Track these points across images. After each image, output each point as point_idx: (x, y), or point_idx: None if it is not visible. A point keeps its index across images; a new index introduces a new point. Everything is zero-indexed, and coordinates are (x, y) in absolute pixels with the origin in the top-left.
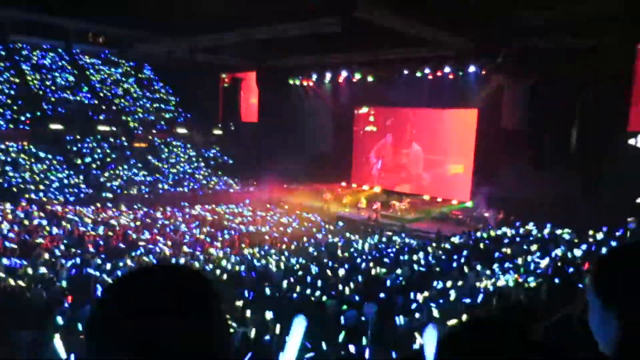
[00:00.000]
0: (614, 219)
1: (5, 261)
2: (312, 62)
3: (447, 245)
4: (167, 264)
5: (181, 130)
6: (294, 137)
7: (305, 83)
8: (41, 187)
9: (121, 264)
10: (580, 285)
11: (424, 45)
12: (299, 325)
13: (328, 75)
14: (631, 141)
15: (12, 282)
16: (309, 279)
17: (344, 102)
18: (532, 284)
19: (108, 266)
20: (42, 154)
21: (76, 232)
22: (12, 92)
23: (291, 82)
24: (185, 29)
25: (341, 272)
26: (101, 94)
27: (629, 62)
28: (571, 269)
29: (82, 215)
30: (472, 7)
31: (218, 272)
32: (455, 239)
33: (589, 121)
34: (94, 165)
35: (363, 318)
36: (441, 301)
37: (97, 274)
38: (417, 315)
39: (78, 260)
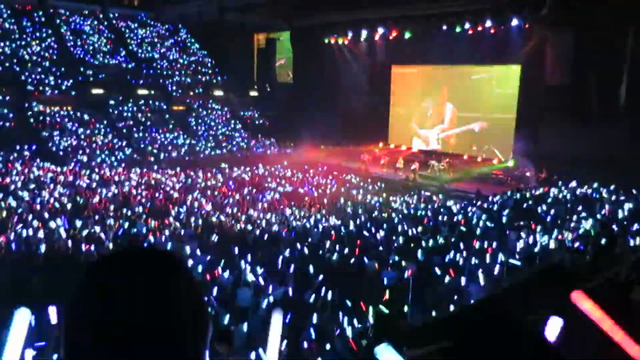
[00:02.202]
0: None
1: (58, 221)
2: (346, 19)
3: (487, 205)
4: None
5: (218, 93)
6: (330, 98)
7: (340, 41)
8: (87, 150)
9: (166, 223)
10: (628, 245)
11: None
12: (277, 319)
13: (364, 33)
14: None
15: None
16: (347, 239)
17: (380, 60)
18: (576, 245)
19: (155, 226)
20: (86, 118)
21: (122, 193)
22: (55, 58)
23: (326, 40)
24: None
25: (380, 232)
26: (139, 58)
27: None
28: (617, 229)
29: (127, 177)
30: None
31: (258, 232)
32: (496, 199)
33: (638, 74)
34: (135, 129)
35: (403, 278)
36: (481, 261)
37: (143, 233)
38: (458, 276)
39: (126, 221)
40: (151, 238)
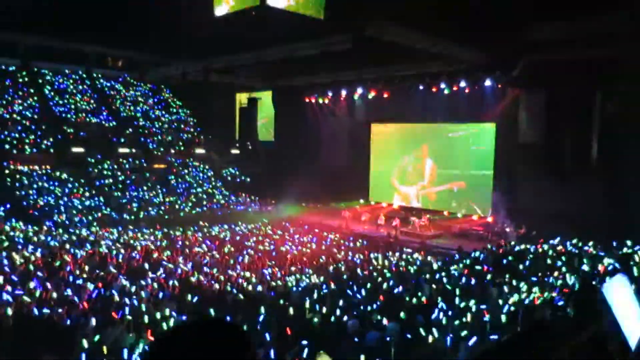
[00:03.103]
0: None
1: (31, 284)
2: (326, 80)
3: (469, 262)
4: (208, 319)
5: (199, 151)
6: (311, 155)
7: (321, 100)
8: (64, 210)
9: (143, 284)
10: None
11: (439, 59)
12: None
13: (344, 92)
14: None
15: (34, 304)
16: (328, 298)
17: (360, 119)
18: (558, 301)
19: (132, 288)
20: (64, 177)
21: (98, 253)
22: (35, 117)
23: (307, 100)
24: (199, 51)
25: (362, 291)
26: (121, 117)
27: None
28: (597, 284)
29: (104, 237)
30: (487, 21)
31: (235, 292)
32: (477, 255)
33: (609, 130)
34: (114, 187)
35: (387, 338)
36: (464, 320)
37: (118, 294)
38: (443, 335)
39: (100, 281)
40: (127, 300)
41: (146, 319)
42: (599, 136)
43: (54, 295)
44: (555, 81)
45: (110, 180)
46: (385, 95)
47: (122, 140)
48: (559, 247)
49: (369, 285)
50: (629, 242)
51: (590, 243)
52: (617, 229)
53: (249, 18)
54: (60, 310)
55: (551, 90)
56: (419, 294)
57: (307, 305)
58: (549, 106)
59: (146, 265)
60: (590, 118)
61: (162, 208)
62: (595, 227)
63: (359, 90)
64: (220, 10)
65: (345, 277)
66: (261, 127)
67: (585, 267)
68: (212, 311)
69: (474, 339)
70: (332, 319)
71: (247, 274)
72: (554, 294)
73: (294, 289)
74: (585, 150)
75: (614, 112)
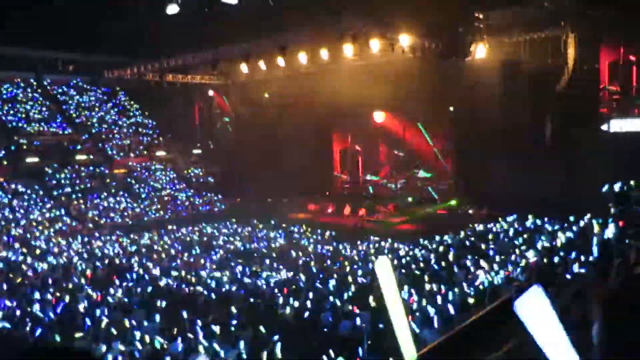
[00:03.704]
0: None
1: None
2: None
3: (435, 246)
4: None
5: (160, 153)
6: (273, 150)
7: (266, 95)
8: (22, 222)
9: (112, 292)
10: (567, 275)
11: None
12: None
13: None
14: (604, 127)
15: None
16: (300, 292)
17: (320, 110)
18: (522, 278)
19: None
20: (20, 189)
21: (61, 265)
22: None
23: (266, 95)
24: (153, 51)
25: (332, 282)
26: (76, 123)
27: (593, 50)
28: (557, 259)
29: (66, 247)
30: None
31: (206, 292)
32: (442, 238)
33: (562, 112)
34: (74, 196)
35: (358, 327)
36: (434, 303)
37: (85, 307)
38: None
39: (66, 294)
40: (98, 311)
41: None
42: (552, 118)
43: (17, 312)
44: (510, 65)
45: (69, 189)
46: None
47: (79, 147)
48: (519, 226)
49: (336, 276)
50: (587, 216)
51: (547, 220)
52: (573, 205)
53: (202, 14)
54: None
55: (506, 73)
56: None
57: (280, 300)
58: (504, 90)
59: (112, 274)
60: (544, 101)
61: (126, 214)
62: (552, 204)
63: None
64: (171, 9)
65: (314, 270)
66: (221, 125)
67: (545, 244)
68: (184, 314)
69: (437, 322)
70: (305, 312)
71: (217, 273)
72: (518, 272)
73: (265, 285)
74: (540, 133)
75: (563, 92)
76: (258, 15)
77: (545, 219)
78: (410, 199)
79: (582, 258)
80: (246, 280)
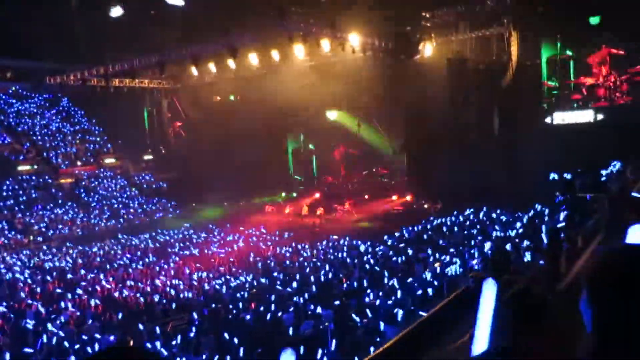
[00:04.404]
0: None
1: None
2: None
3: (393, 242)
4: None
5: (109, 160)
6: (226, 152)
7: (232, 97)
8: None
9: (62, 307)
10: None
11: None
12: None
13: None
14: (547, 120)
15: None
16: (260, 295)
17: (272, 111)
18: (478, 268)
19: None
20: None
21: (6, 282)
22: None
23: (217, 98)
24: (97, 55)
25: (293, 283)
26: (17, 132)
27: (534, 47)
28: (508, 247)
29: (11, 262)
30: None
31: (164, 301)
32: (400, 234)
33: (507, 106)
34: (16, 208)
35: (321, 326)
36: (394, 298)
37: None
38: (374, 318)
39: (12, 311)
40: (50, 326)
41: (67, 344)
42: (499, 113)
43: None
44: (456, 63)
45: (12, 201)
46: None
47: (21, 157)
48: (474, 218)
49: (298, 276)
50: (538, 207)
51: (498, 211)
52: (522, 196)
53: (146, 17)
54: None
55: (454, 69)
56: (349, 278)
57: (240, 305)
58: (451, 89)
59: (62, 288)
60: (490, 96)
61: (75, 224)
62: (502, 196)
63: None
64: (115, 12)
65: (275, 272)
66: (171, 128)
67: (499, 234)
68: (140, 326)
69: (401, 314)
70: (267, 315)
71: (175, 281)
72: (474, 262)
73: (224, 290)
74: (488, 129)
75: (508, 85)
76: (205, 17)
77: (498, 211)
78: (366, 196)
79: (533, 246)
80: (205, 286)
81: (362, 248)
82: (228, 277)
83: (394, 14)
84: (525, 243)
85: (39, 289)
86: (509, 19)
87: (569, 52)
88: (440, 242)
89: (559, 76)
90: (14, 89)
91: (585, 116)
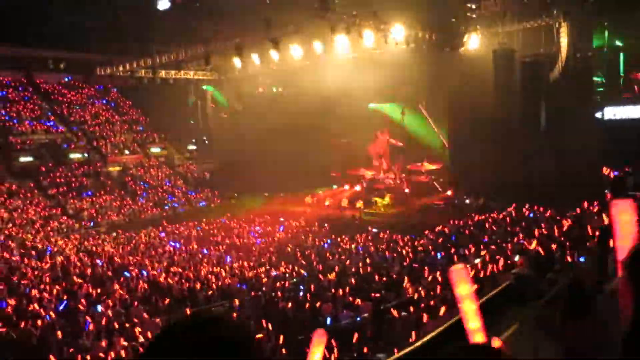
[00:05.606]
0: (591, 193)
1: None
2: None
3: (433, 237)
4: (205, 317)
5: (155, 150)
6: (269, 145)
7: (275, 89)
8: (18, 222)
9: (110, 290)
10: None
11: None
12: (319, 338)
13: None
14: (598, 114)
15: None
16: (300, 285)
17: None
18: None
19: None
20: (14, 188)
21: (60, 264)
22: None
23: (259, 89)
24: (145, 47)
25: (332, 275)
26: (69, 121)
27: (586, 38)
28: (555, 247)
29: (64, 246)
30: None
31: (208, 289)
32: (440, 229)
33: (556, 100)
34: (69, 195)
35: (358, 318)
36: (433, 293)
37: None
38: (415, 311)
39: (65, 292)
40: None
41: (116, 325)
42: (547, 106)
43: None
44: (501, 54)
45: (65, 188)
46: None
47: (73, 146)
48: (516, 214)
49: (337, 268)
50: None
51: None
52: (569, 193)
53: (191, 10)
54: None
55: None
56: (389, 272)
57: (280, 294)
58: (497, 79)
59: (111, 272)
60: (537, 88)
61: (122, 211)
62: (548, 193)
63: None
64: (162, 5)
65: (314, 262)
66: (215, 119)
67: (543, 232)
68: (186, 311)
69: (443, 309)
70: (306, 304)
71: (217, 269)
72: (516, 259)
73: (265, 279)
74: (535, 121)
75: (556, 80)
76: (249, 9)
77: (542, 208)
78: (407, 190)
79: (580, 246)
80: (246, 274)
81: (402, 243)
82: (268, 266)
83: (439, 5)
84: (571, 243)
85: (89, 272)
86: (558, 9)
87: (618, 43)
88: (482, 238)
89: (606, 70)
90: (67, 79)
91: (639, 112)
